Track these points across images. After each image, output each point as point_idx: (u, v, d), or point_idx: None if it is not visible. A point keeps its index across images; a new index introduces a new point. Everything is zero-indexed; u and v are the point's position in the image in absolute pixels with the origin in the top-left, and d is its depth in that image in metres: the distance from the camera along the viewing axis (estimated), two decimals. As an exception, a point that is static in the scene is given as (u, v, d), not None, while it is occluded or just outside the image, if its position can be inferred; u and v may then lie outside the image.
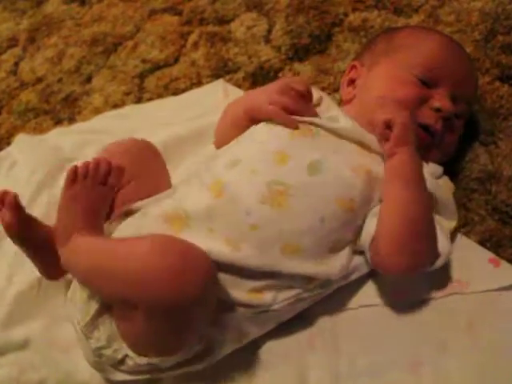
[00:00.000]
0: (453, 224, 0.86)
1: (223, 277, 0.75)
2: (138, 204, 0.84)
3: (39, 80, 1.33)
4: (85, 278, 0.76)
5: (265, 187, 0.78)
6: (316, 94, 0.90)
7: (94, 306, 0.77)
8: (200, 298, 0.68)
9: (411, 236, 0.77)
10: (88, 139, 1.14)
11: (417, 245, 0.78)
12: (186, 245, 0.70)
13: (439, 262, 0.80)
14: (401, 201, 0.78)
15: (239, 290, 0.76)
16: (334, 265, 0.79)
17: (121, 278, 0.69)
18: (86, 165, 0.80)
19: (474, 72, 0.96)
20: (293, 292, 0.78)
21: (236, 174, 0.81)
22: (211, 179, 0.81)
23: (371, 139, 0.84)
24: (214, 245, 0.75)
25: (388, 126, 0.80)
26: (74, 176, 0.79)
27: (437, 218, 0.82)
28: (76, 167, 0.79)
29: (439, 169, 0.88)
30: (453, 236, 0.87)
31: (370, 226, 0.80)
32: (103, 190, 0.81)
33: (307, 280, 0.78)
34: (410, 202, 0.78)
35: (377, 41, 0.96)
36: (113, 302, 0.75)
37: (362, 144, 0.84)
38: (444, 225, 0.83)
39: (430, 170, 0.85)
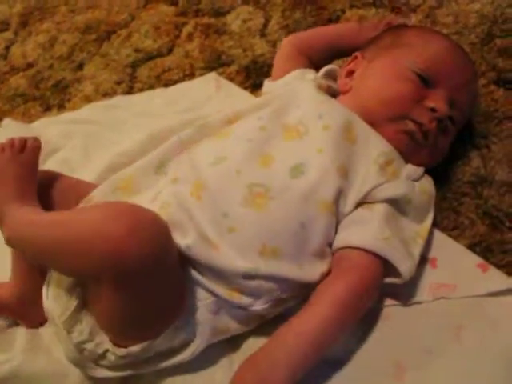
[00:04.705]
0: (426, 225, 0.84)
1: (203, 272, 0.75)
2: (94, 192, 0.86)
3: (30, 65, 1.31)
4: (37, 252, 0.75)
5: (246, 189, 0.77)
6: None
7: (74, 300, 0.75)
8: (156, 256, 0.66)
9: None
10: (74, 129, 1.13)
11: None
12: (136, 206, 0.71)
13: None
14: None
15: (218, 286, 0.75)
16: (316, 269, 0.77)
17: (75, 247, 0.67)
18: (1, 143, 0.86)
19: (476, 84, 0.95)
20: (273, 294, 0.76)
21: (219, 172, 0.79)
22: (192, 178, 0.80)
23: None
24: (196, 242, 0.75)
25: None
26: None
27: (404, 222, 0.81)
28: None
29: (418, 170, 0.86)
30: (442, 239, 0.86)
31: (343, 235, 0.79)
32: (24, 156, 0.85)
33: (288, 282, 0.76)
34: None
35: (383, 35, 0.95)
36: (71, 275, 0.74)
37: (346, 131, 0.83)
38: (414, 229, 0.82)
39: (408, 171, 0.84)
